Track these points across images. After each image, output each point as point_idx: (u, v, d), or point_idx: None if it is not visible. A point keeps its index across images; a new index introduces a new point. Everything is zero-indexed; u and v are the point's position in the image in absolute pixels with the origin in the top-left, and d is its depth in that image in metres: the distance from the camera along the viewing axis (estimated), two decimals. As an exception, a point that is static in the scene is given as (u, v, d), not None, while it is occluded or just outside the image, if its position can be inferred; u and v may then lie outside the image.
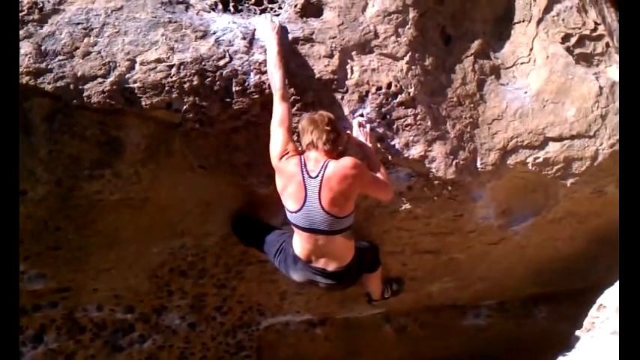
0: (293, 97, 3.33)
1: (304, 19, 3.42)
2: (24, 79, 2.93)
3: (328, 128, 3.06)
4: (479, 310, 5.06)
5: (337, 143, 3.14)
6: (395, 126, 3.54)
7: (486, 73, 3.90)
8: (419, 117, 3.56)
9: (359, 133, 3.39)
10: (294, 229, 3.22)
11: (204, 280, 4.00)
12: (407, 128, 3.55)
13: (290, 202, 3.13)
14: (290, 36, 3.34)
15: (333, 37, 3.42)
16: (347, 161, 3.05)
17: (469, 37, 3.92)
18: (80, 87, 3.02)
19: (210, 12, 3.32)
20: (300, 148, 3.16)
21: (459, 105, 3.75)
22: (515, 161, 3.84)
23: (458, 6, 3.90)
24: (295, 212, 3.12)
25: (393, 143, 3.54)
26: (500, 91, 3.90)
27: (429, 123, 3.59)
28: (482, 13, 4.00)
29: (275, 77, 3.13)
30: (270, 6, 3.45)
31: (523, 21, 4.06)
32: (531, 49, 4.00)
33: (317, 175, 3.04)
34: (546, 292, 5.05)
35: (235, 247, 3.86)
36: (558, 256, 4.60)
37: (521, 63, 4.00)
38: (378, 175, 3.25)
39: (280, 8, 3.44)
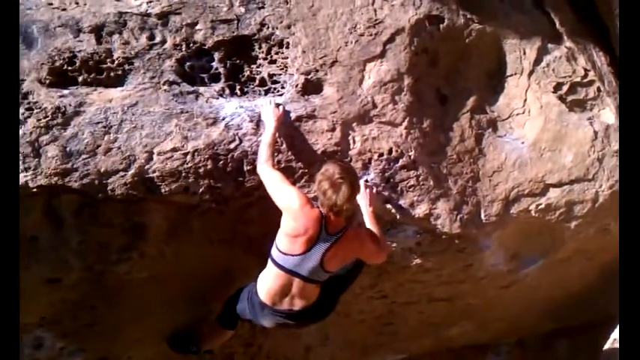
0: (300, 171, 3.55)
1: (306, 97, 3.65)
2: (52, 180, 3.19)
3: (349, 187, 3.07)
4: (499, 348, 5.18)
5: (354, 198, 3.18)
6: (399, 188, 3.74)
7: (484, 127, 4.10)
8: (421, 178, 3.76)
9: (365, 197, 3.56)
10: (271, 266, 3.29)
11: (232, 340, 4.18)
12: (411, 189, 3.75)
13: (291, 246, 3.18)
14: (293, 115, 3.57)
15: (334, 112, 3.64)
16: (365, 236, 3.31)
17: (464, 95, 4.12)
18: (104, 181, 3.27)
19: (218, 98, 3.56)
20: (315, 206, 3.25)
21: (459, 161, 3.95)
22: (518, 210, 4.01)
23: (451, 66, 4.11)
24: (289, 255, 3.20)
25: (399, 204, 3.73)
26: (499, 143, 4.09)
27: (432, 182, 3.79)
28: (475, 70, 4.20)
29: (266, 152, 3.30)
30: (273, 86, 3.69)
31: (515, 74, 4.26)
32: (525, 100, 4.20)
33: (333, 236, 3.19)
34: (563, 326, 5.16)
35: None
36: (571, 292, 4.74)
37: (517, 114, 4.19)
38: (378, 240, 3.38)
39: (283, 88, 3.67)
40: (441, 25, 4.04)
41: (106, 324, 3.73)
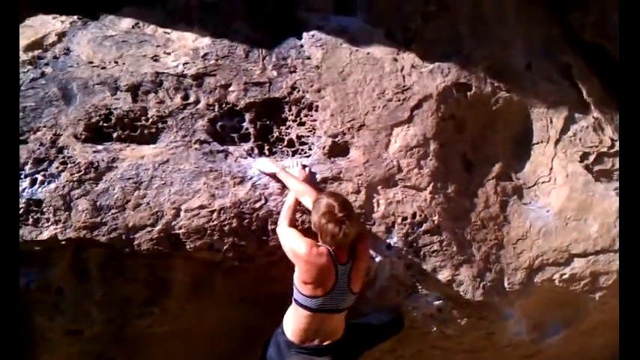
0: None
1: (332, 159, 3.71)
2: (81, 233, 3.27)
3: (350, 219, 3.10)
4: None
5: (355, 227, 3.17)
6: (422, 253, 3.73)
7: (509, 194, 4.10)
8: (444, 243, 3.76)
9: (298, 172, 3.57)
10: (297, 308, 3.29)
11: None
12: (433, 254, 3.74)
13: (315, 290, 3.18)
14: (319, 176, 3.63)
15: (360, 175, 3.69)
16: (366, 241, 3.36)
17: (490, 161, 4.15)
18: (131, 236, 3.33)
19: (246, 157, 3.65)
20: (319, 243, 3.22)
21: (484, 228, 3.94)
22: (542, 279, 3.97)
23: (477, 132, 4.15)
24: (316, 297, 3.20)
25: (421, 269, 3.72)
26: (524, 211, 4.08)
27: (455, 248, 3.78)
28: (501, 136, 4.24)
29: (286, 213, 3.38)
30: (301, 148, 3.76)
31: (541, 142, 4.28)
32: (551, 169, 4.21)
33: (347, 261, 3.22)
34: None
35: None
36: (596, 363, 4.62)
37: (542, 182, 4.19)
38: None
39: (310, 149, 3.74)
40: (469, 93, 4.10)
41: (125, 377, 3.74)
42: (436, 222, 3.76)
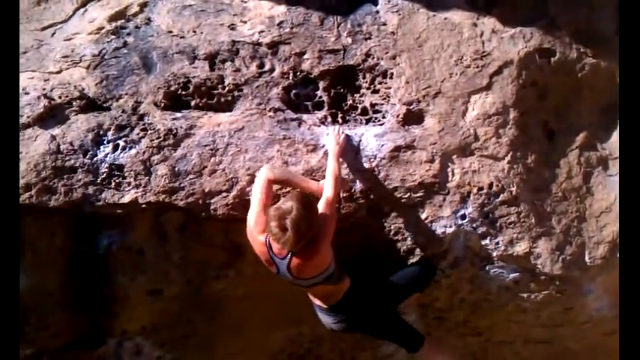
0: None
1: (406, 127, 3.65)
2: (160, 197, 3.40)
3: (295, 238, 2.90)
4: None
5: (303, 241, 2.98)
6: (498, 224, 3.64)
7: (593, 165, 3.92)
8: (522, 214, 3.65)
9: (334, 141, 3.43)
10: None
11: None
12: (510, 226, 3.64)
13: (268, 266, 3.20)
14: (392, 145, 3.58)
15: (434, 143, 3.62)
16: (311, 255, 3.05)
17: (574, 130, 3.96)
18: (207, 201, 3.44)
19: (320, 126, 3.65)
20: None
21: (565, 199, 3.79)
22: (626, 254, 3.78)
23: (561, 100, 3.97)
24: (276, 274, 3.18)
25: (496, 241, 3.64)
26: (609, 183, 3.89)
27: (533, 220, 3.66)
28: (586, 104, 4.03)
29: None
30: (374, 116, 3.73)
31: (631, 110, 4.03)
32: (641, 138, 3.96)
33: (284, 257, 3.07)
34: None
35: (349, 335, 4.08)
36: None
37: (630, 153, 3.96)
38: (324, 205, 3.17)
39: (384, 117, 3.69)
40: (552, 59, 3.92)
41: (202, 337, 3.90)
42: (514, 193, 3.65)
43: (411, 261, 3.64)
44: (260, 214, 3.13)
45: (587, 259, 3.76)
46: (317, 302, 3.42)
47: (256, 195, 3.21)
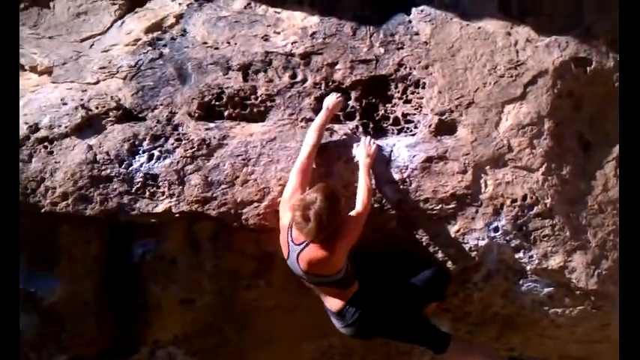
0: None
1: (438, 137, 3.63)
2: (193, 207, 3.44)
3: (317, 226, 2.96)
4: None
5: (327, 231, 3.04)
6: (532, 237, 3.58)
7: (631, 177, 3.82)
8: (557, 227, 3.58)
9: (365, 150, 3.45)
10: None
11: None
12: (545, 239, 3.58)
13: (282, 248, 3.24)
14: (424, 155, 3.56)
15: (467, 154, 3.58)
16: (326, 247, 3.06)
17: (610, 142, 3.87)
18: (239, 211, 3.47)
19: (352, 136, 3.65)
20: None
21: (601, 212, 3.71)
22: (665, 268, 3.69)
23: (597, 111, 3.89)
24: (285, 259, 3.23)
25: (530, 254, 3.58)
26: (647, 195, 3.79)
27: (568, 233, 3.59)
28: (624, 115, 3.93)
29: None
30: (406, 126, 3.71)
31: (670, 121, 3.93)
32: (681, 150, 3.86)
33: (298, 245, 3.11)
34: None
35: (379, 347, 4.07)
36: None
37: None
38: (354, 214, 3.22)
39: (416, 128, 3.68)
40: (589, 68, 3.84)
41: (233, 347, 3.93)
42: (548, 205, 3.59)
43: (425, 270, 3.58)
44: (296, 190, 3.20)
45: (624, 273, 3.66)
46: (327, 304, 3.39)
47: (297, 168, 3.30)
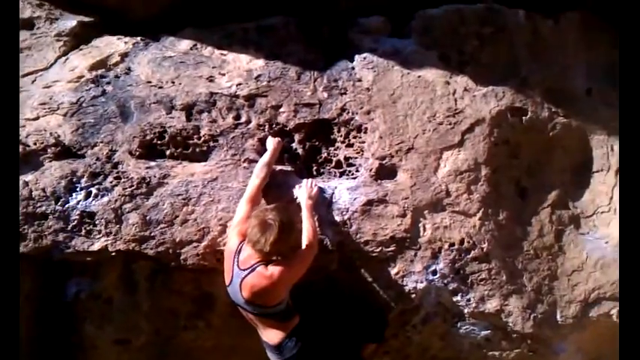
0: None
1: (379, 181, 3.69)
2: (130, 246, 3.39)
3: (273, 239, 2.99)
4: None
5: (279, 251, 3.10)
6: (469, 280, 3.65)
7: (565, 223, 3.95)
8: (493, 271, 3.66)
9: (305, 191, 3.50)
10: None
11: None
12: (482, 282, 3.65)
13: (225, 275, 3.22)
14: (365, 198, 3.61)
15: (406, 198, 3.65)
16: (271, 274, 3.06)
17: (546, 189, 4.01)
18: (178, 251, 3.44)
19: (294, 178, 3.67)
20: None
21: (536, 257, 3.81)
22: (597, 313, 3.81)
23: (533, 159, 4.03)
24: (227, 285, 3.20)
25: (468, 297, 3.64)
26: (580, 241, 3.92)
27: (504, 277, 3.67)
28: (559, 163, 4.09)
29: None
30: (348, 169, 3.77)
31: (602, 170, 4.12)
32: (611, 198, 4.03)
33: (244, 270, 3.09)
34: None
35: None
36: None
37: (602, 212, 4.02)
38: (303, 249, 3.25)
39: (357, 171, 3.74)
40: (524, 118, 4.00)
41: (171, 388, 3.83)
42: (485, 249, 3.67)
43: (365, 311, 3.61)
44: (245, 218, 3.21)
45: (558, 317, 3.77)
46: (265, 338, 3.32)
47: (247, 198, 3.33)
